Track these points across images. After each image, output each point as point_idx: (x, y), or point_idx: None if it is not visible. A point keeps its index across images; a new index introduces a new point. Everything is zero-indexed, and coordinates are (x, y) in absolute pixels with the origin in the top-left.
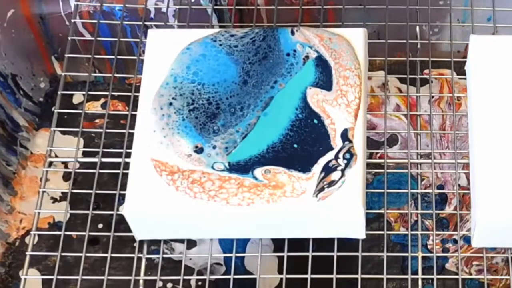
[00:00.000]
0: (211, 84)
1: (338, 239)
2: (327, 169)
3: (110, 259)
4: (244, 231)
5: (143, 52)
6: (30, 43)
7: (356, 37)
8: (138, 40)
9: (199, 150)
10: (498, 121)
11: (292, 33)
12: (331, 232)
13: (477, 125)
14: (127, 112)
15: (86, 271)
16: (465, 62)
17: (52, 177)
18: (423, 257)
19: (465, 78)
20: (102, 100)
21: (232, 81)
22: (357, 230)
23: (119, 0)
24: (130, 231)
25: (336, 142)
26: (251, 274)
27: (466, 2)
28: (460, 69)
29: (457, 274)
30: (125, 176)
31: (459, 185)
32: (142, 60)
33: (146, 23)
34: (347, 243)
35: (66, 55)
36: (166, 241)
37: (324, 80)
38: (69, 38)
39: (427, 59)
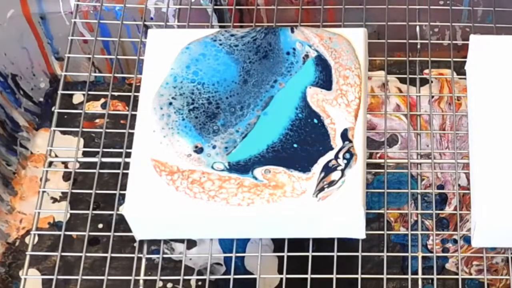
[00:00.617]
0: (211, 84)
1: (338, 239)
2: (327, 169)
3: (110, 259)
4: (244, 231)
5: (143, 52)
6: (30, 43)
7: (356, 37)
8: (138, 40)
9: (199, 150)
10: (498, 121)
11: (292, 30)
12: (331, 232)
13: (477, 125)
14: (127, 112)
15: (86, 271)
16: (465, 62)
17: (52, 177)
18: (423, 257)
19: (465, 78)
20: (102, 100)
21: (232, 80)
22: (357, 230)
23: (119, 0)
24: (130, 231)
25: (336, 142)
26: (251, 274)
27: (466, 2)
28: (460, 69)
29: (457, 274)
30: (125, 176)
31: (459, 185)
32: (142, 60)
33: (146, 23)
34: (347, 243)
35: (66, 55)
36: (166, 241)
37: (324, 79)
38: (69, 38)
39: (427, 59)
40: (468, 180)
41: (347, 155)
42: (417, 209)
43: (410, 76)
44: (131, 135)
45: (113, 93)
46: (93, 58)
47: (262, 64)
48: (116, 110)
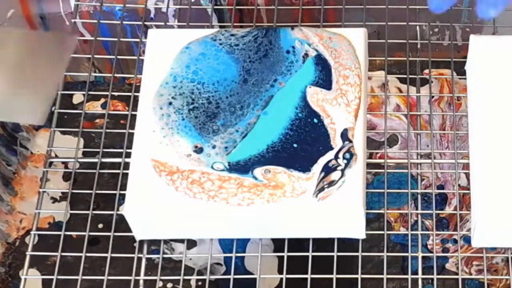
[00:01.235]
0: (211, 83)
1: (338, 239)
2: (327, 169)
3: (110, 259)
4: (244, 231)
5: (143, 52)
6: None
7: (356, 37)
8: (138, 40)
9: (198, 150)
10: (498, 121)
11: (292, 28)
12: (331, 232)
13: (477, 125)
14: (127, 112)
15: (86, 271)
16: (465, 62)
17: (52, 177)
18: (423, 257)
19: (465, 78)
20: (102, 100)
21: (232, 80)
22: (357, 230)
23: (119, 0)
24: (130, 231)
25: (336, 142)
26: (251, 274)
27: (466, 2)
28: (460, 69)
29: (457, 274)
30: (125, 176)
31: (459, 185)
32: (142, 60)
33: (146, 23)
34: (347, 243)
35: None
36: (166, 241)
37: (324, 79)
38: None
39: (427, 59)
40: (468, 180)
41: (347, 155)
42: (417, 209)
43: (410, 76)
44: (131, 135)
45: (113, 93)
46: (93, 58)
47: (262, 63)
48: (116, 110)
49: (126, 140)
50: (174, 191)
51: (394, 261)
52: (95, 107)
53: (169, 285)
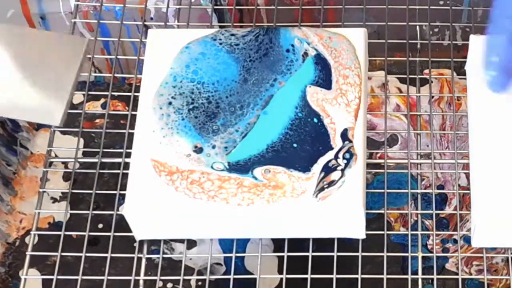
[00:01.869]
0: (211, 83)
1: (338, 239)
2: (327, 169)
3: (110, 259)
4: (244, 231)
5: (143, 52)
6: None
7: (356, 37)
8: (138, 40)
9: (198, 150)
10: (498, 121)
11: (292, 28)
12: (331, 232)
13: (477, 125)
14: (127, 112)
15: (86, 271)
16: (465, 62)
17: (52, 177)
18: (423, 257)
19: (465, 78)
20: (102, 100)
21: (232, 79)
22: (357, 230)
23: (119, 0)
24: (130, 231)
25: (336, 141)
26: (251, 274)
27: (466, 2)
28: (460, 69)
29: (457, 274)
30: (125, 176)
31: (459, 185)
32: (142, 60)
33: (146, 23)
34: (347, 243)
35: None
36: (166, 241)
37: (324, 78)
38: None
39: (427, 59)
40: (468, 180)
41: (347, 155)
42: (417, 209)
43: (410, 76)
44: (131, 135)
45: (113, 93)
46: (93, 58)
47: (263, 62)
48: (116, 110)
49: (126, 140)
50: (174, 191)
51: (394, 261)
52: (95, 107)
53: (169, 285)
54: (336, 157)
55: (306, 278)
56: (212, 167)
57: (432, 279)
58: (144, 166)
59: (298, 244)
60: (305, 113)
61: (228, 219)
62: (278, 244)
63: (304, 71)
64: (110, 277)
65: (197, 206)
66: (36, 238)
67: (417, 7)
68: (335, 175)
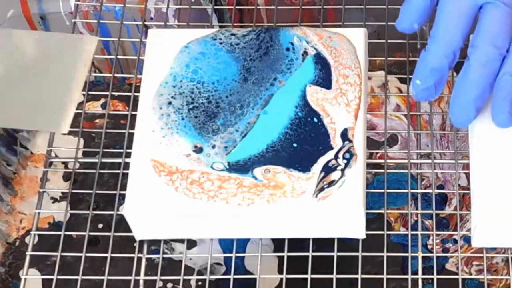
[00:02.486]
0: (211, 83)
1: (338, 239)
2: (327, 169)
3: (110, 259)
4: (244, 231)
5: (143, 52)
6: None
7: (356, 37)
8: (138, 40)
9: (198, 150)
10: None
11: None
12: (331, 232)
13: (477, 125)
14: (127, 112)
15: (86, 271)
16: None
17: (52, 177)
18: (423, 257)
19: None
20: (102, 100)
21: (232, 78)
22: (357, 230)
23: (119, 0)
24: (130, 231)
25: (336, 141)
26: (251, 274)
27: None
28: (459, 69)
29: (457, 274)
30: (125, 176)
31: (459, 185)
32: (142, 60)
33: (146, 23)
34: (347, 243)
35: None
36: (166, 241)
37: (324, 78)
38: None
39: None
40: (468, 180)
41: (347, 155)
42: (417, 209)
43: (410, 76)
44: (131, 135)
45: (113, 93)
46: (93, 58)
47: (263, 61)
48: (116, 110)
49: (126, 140)
50: (174, 192)
51: (394, 261)
52: (95, 107)
53: (169, 285)
54: (336, 157)
55: (306, 278)
56: (212, 167)
57: (432, 279)
58: (144, 166)
59: (298, 244)
60: (305, 113)
61: (228, 219)
62: (278, 244)
63: (304, 70)
64: (110, 277)
65: (197, 206)
66: (36, 238)
67: None
68: (335, 175)
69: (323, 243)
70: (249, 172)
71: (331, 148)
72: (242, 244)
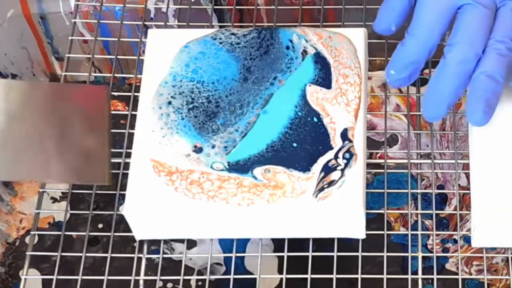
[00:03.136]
0: (211, 82)
1: (338, 239)
2: (327, 169)
3: (110, 259)
4: (244, 231)
5: (143, 52)
6: (30, 43)
7: (356, 37)
8: (138, 40)
9: (198, 150)
10: (498, 121)
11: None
12: (331, 232)
13: None
14: (127, 112)
15: (86, 271)
16: None
17: None
18: (423, 257)
19: None
20: None
21: (232, 78)
22: (357, 230)
23: (119, 0)
24: (130, 231)
25: (336, 141)
26: (251, 274)
27: None
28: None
29: (457, 274)
30: (125, 176)
31: (459, 185)
32: (142, 60)
33: (146, 23)
34: (347, 243)
35: (66, 55)
36: (166, 241)
37: (324, 77)
38: (69, 38)
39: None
40: (468, 180)
41: (347, 155)
42: (417, 209)
43: None
44: (131, 135)
45: (113, 93)
46: (93, 58)
47: (263, 60)
48: (116, 110)
49: (126, 140)
50: (174, 192)
51: (394, 261)
52: None
53: (169, 285)
54: (336, 157)
55: (306, 278)
56: (211, 167)
57: (432, 279)
58: (143, 166)
59: (298, 244)
60: (305, 112)
61: (228, 219)
62: (278, 244)
63: (303, 69)
64: (110, 277)
65: (196, 207)
66: (36, 238)
67: None
68: (335, 175)
69: (323, 243)
70: (249, 172)
71: (331, 148)
72: (242, 244)
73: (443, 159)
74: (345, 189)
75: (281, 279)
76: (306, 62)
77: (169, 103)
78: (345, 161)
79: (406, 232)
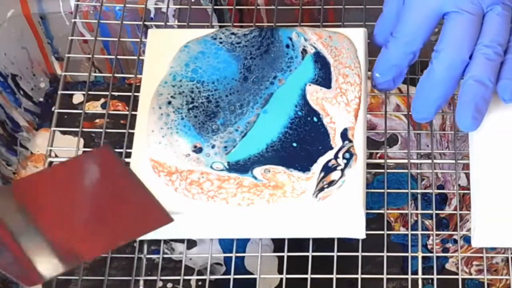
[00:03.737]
0: (211, 82)
1: (338, 239)
2: (327, 169)
3: (110, 259)
4: (244, 231)
5: (143, 52)
6: (30, 43)
7: (356, 37)
8: (138, 40)
9: (197, 150)
10: (498, 121)
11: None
12: (331, 232)
13: None
14: (127, 112)
15: (86, 271)
16: None
17: None
18: (423, 257)
19: None
20: (102, 100)
21: (232, 77)
22: (357, 230)
23: (119, 0)
24: None
25: (336, 141)
26: (251, 274)
27: None
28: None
29: (457, 274)
30: None
31: (459, 185)
32: (142, 60)
33: (146, 23)
34: (347, 243)
35: (66, 55)
36: (166, 241)
37: (323, 77)
38: (69, 38)
39: (427, 59)
40: (468, 180)
41: (347, 155)
42: (417, 209)
43: (410, 76)
44: (131, 135)
45: (113, 93)
46: (93, 58)
47: (263, 59)
48: (116, 110)
49: (126, 140)
50: (174, 192)
51: (394, 261)
52: (95, 107)
53: (169, 285)
54: (336, 156)
55: (306, 278)
56: (211, 167)
57: (432, 279)
58: (143, 166)
59: (298, 244)
60: (305, 112)
61: (228, 219)
62: (278, 244)
63: (303, 69)
64: (110, 277)
65: (196, 207)
66: None
67: None
68: (335, 175)
69: (323, 243)
70: (249, 172)
71: (331, 148)
72: (242, 244)
73: (443, 159)
74: (345, 189)
75: (281, 279)
76: (306, 61)
77: (169, 103)
78: (345, 161)
79: (406, 232)
